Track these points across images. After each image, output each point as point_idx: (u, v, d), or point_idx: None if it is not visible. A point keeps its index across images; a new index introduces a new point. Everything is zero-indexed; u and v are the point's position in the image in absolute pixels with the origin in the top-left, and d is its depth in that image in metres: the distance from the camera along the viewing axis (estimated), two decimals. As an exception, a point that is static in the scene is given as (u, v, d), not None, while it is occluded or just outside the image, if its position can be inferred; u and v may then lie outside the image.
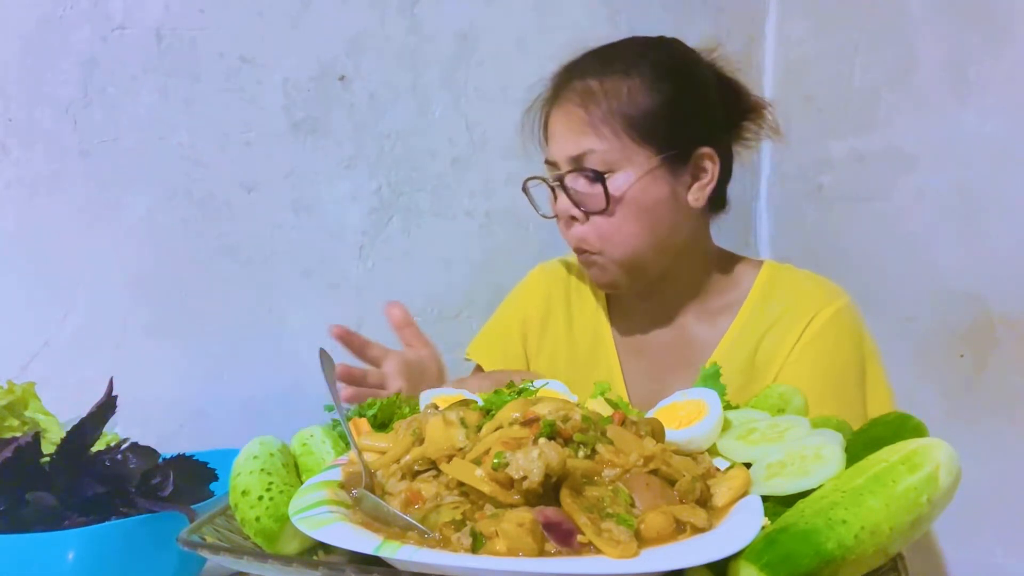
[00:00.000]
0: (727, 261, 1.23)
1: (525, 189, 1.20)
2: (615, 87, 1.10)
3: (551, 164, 1.15)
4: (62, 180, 1.21)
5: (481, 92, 1.60)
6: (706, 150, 1.13)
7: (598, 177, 1.09)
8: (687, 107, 1.12)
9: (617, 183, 1.09)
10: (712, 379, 0.92)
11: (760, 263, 1.23)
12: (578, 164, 1.10)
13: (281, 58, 1.38)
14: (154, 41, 1.26)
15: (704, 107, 1.14)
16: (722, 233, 1.21)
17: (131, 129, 1.25)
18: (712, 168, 1.14)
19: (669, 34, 1.18)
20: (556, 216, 1.17)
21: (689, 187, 1.13)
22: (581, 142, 1.10)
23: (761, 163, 1.97)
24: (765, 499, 0.67)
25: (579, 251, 1.15)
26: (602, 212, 1.10)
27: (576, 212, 1.12)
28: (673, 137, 1.11)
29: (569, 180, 1.12)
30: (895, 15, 1.64)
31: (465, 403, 0.84)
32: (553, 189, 1.15)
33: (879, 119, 1.68)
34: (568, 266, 1.33)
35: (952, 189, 1.55)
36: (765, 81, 1.95)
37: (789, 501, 0.66)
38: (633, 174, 1.09)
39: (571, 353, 1.26)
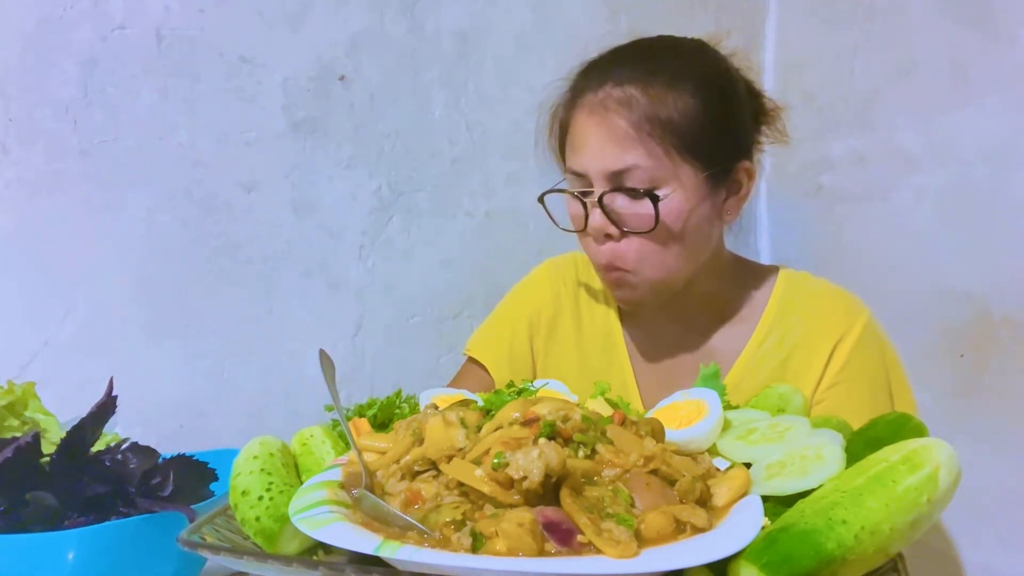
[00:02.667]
0: (741, 268, 1.21)
1: (542, 201, 1.13)
2: (661, 98, 1.03)
3: (578, 175, 1.08)
4: (62, 180, 1.21)
5: (481, 92, 1.59)
6: (745, 164, 1.10)
7: (651, 197, 1.02)
8: (730, 121, 1.09)
9: (665, 203, 1.02)
10: (712, 379, 0.92)
11: (775, 270, 1.21)
12: (618, 180, 1.03)
13: (281, 58, 1.38)
14: (154, 41, 1.26)
15: (742, 119, 1.11)
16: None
17: (131, 129, 1.25)
18: (748, 183, 1.11)
19: (669, 33, 1.17)
20: (580, 231, 1.10)
21: (725, 201, 1.10)
22: (624, 156, 1.03)
23: (761, 163, 1.97)
24: (765, 499, 0.67)
25: (609, 268, 1.09)
26: (645, 232, 1.04)
27: (612, 230, 1.05)
28: (718, 153, 1.06)
29: (607, 197, 1.04)
30: (895, 15, 1.64)
31: (465, 403, 0.84)
32: (584, 204, 1.07)
33: (879, 119, 1.68)
34: (577, 264, 1.29)
35: (952, 189, 1.55)
36: (765, 81, 1.95)
37: (789, 501, 0.66)
38: (679, 192, 1.04)
39: (581, 358, 1.23)
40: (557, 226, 1.14)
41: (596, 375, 1.18)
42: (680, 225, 1.05)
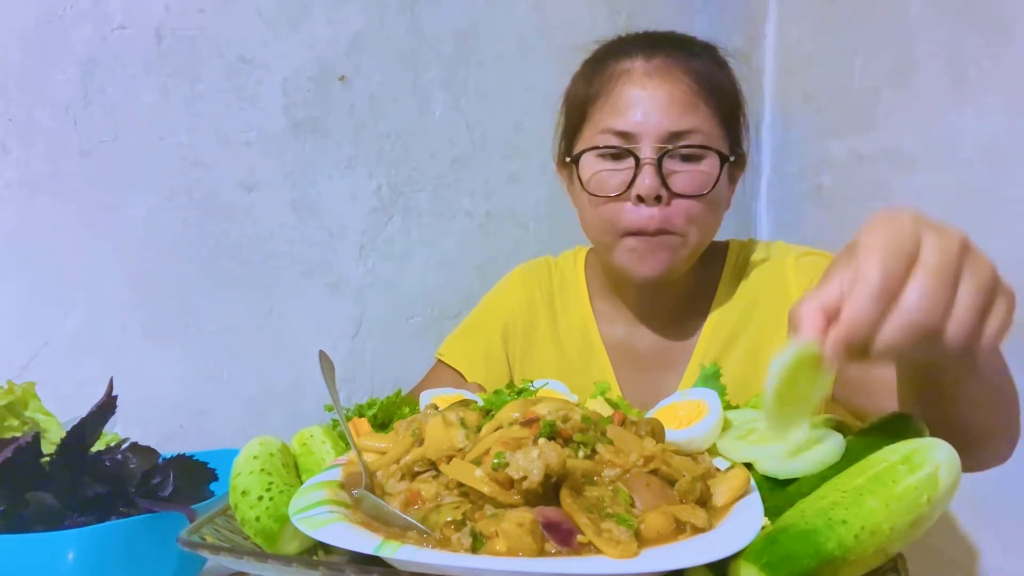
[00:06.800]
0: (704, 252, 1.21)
1: (576, 161, 1.10)
2: (716, 71, 1.08)
3: (621, 135, 1.05)
4: (62, 180, 1.21)
5: (481, 92, 1.60)
6: (744, 158, 1.15)
7: (720, 157, 1.05)
8: (745, 112, 1.14)
9: (718, 168, 1.05)
10: (712, 379, 0.92)
11: (724, 244, 1.24)
12: (674, 141, 1.03)
13: (281, 58, 1.38)
14: (154, 41, 1.26)
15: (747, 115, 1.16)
16: (722, 233, 1.22)
17: (131, 129, 1.25)
18: (739, 176, 1.16)
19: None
20: (619, 195, 1.05)
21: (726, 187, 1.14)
22: (688, 118, 1.03)
23: (761, 163, 1.98)
24: (751, 468, 0.69)
25: (658, 232, 1.05)
26: (697, 196, 1.04)
27: (664, 192, 1.03)
28: (741, 136, 1.12)
29: (665, 157, 1.03)
30: (895, 15, 1.64)
31: (465, 403, 0.84)
32: (638, 162, 1.04)
33: (879, 119, 1.68)
34: (551, 268, 1.30)
35: (952, 189, 1.55)
36: (765, 81, 1.95)
37: (783, 484, 0.68)
38: (721, 162, 1.06)
39: (561, 359, 1.24)
40: (585, 189, 1.09)
41: (577, 376, 1.19)
42: (722, 194, 1.09)
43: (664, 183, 1.03)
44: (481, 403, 0.85)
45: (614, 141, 1.06)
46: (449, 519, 0.61)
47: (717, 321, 1.17)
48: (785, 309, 1.08)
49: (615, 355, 1.21)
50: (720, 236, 1.22)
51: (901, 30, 1.62)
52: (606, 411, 0.82)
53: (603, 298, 1.24)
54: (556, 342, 1.25)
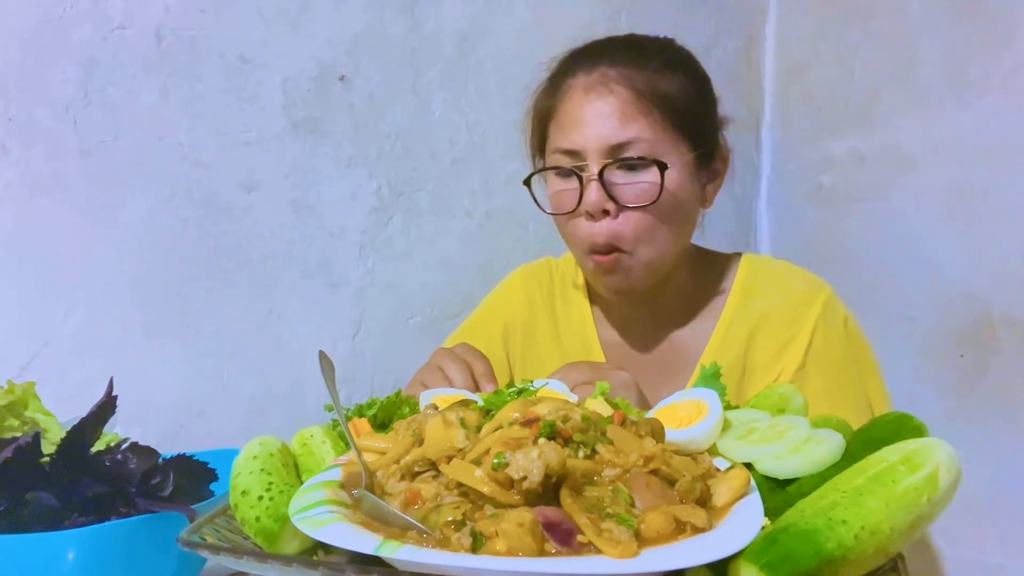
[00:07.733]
0: (705, 259, 1.22)
1: (528, 183, 1.13)
2: (657, 76, 1.06)
3: (569, 153, 1.07)
4: (62, 180, 1.21)
5: (481, 92, 1.60)
6: (723, 150, 1.14)
7: (659, 166, 1.03)
8: (712, 105, 1.13)
9: (667, 175, 1.03)
10: (712, 379, 0.91)
11: (737, 257, 1.22)
12: (617, 153, 1.03)
13: (281, 58, 1.38)
14: (154, 41, 1.26)
15: (716, 107, 1.15)
16: (722, 233, 1.22)
17: (131, 129, 1.25)
18: (723, 169, 1.14)
19: (669, 34, 1.18)
20: (571, 212, 1.08)
21: (705, 186, 1.13)
22: (626, 130, 1.03)
23: (761, 163, 1.98)
24: (751, 468, 0.69)
25: (606, 249, 1.07)
26: (645, 207, 1.04)
27: (610, 206, 1.04)
28: (705, 134, 1.10)
29: (607, 171, 1.03)
30: (895, 15, 1.64)
31: (465, 403, 0.84)
32: (581, 180, 1.05)
33: (879, 119, 1.68)
34: (552, 269, 1.30)
35: (952, 189, 1.55)
36: (765, 81, 1.95)
37: (783, 484, 0.68)
38: (675, 167, 1.05)
39: (562, 360, 1.20)
40: (543, 210, 1.13)
41: None
42: (676, 201, 1.06)
43: (610, 196, 1.04)
44: (481, 403, 0.85)
45: (562, 160, 1.08)
46: (449, 519, 0.61)
47: (724, 334, 1.16)
48: (797, 339, 1.10)
49: (613, 357, 1.21)
50: (720, 237, 1.23)
51: (901, 30, 1.62)
52: (606, 411, 0.82)
53: (603, 300, 1.23)
54: (557, 343, 1.25)
